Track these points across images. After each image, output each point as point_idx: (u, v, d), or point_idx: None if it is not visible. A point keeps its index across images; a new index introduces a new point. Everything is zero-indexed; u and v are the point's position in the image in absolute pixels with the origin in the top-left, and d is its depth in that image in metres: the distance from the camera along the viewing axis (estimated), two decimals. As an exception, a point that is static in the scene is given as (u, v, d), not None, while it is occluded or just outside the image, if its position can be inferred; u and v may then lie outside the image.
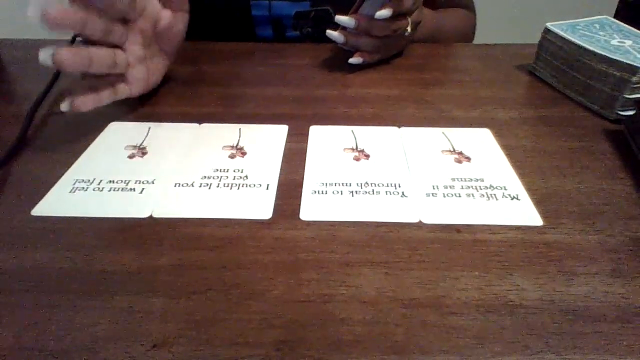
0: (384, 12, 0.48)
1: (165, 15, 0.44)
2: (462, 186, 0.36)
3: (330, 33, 0.52)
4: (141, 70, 0.45)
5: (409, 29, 0.53)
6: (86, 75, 0.41)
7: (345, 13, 0.51)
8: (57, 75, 0.49)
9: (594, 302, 0.27)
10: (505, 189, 0.36)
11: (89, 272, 0.29)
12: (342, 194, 0.35)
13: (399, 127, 0.44)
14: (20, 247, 0.31)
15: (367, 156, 0.40)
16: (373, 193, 0.35)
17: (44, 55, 0.36)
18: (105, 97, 0.41)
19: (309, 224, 0.33)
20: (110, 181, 0.36)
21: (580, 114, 0.46)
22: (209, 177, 0.37)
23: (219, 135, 0.42)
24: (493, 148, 0.41)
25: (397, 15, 0.50)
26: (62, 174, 0.37)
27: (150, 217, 0.33)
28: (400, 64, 0.56)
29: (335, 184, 0.36)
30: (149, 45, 0.45)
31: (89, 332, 0.26)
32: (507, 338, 0.25)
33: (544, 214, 0.33)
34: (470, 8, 0.73)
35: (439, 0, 0.68)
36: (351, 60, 0.53)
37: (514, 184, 0.36)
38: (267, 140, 0.42)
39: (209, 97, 0.49)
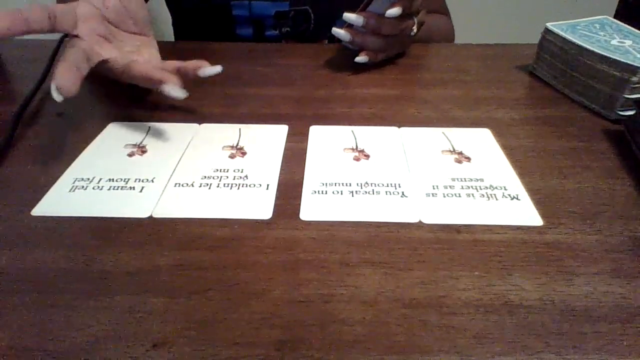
0: (394, 11, 0.48)
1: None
2: (462, 186, 0.36)
3: (337, 31, 0.52)
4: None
5: (415, 29, 0.53)
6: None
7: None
8: (44, 75, 0.49)
9: (594, 302, 0.27)
10: (505, 189, 0.36)
11: (89, 272, 0.29)
12: (342, 194, 0.35)
13: (399, 127, 0.44)
14: (20, 247, 0.31)
15: (367, 156, 0.40)
16: (373, 193, 0.35)
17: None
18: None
19: (309, 224, 0.33)
20: (109, 180, 0.36)
21: (580, 114, 0.46)
22: (209, 177, 0.37)
23: (219, 135, 0.42)
24: (493, 148, 0.41)
25: (405, 15, 0.50)
26: (62, 173, 0.37)
27: (150, 217, 0.33)
28: (400, 64, 0.56)
29: (335, 184, 0.36)
30: (114, 36, 0.44)
31: (89, 332, 0.26)
32: (507, 338, 0.25)
33: (544, 214, 0.33)
34: (447, 14, 0.75)
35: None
36: (357, 59, 0.52)
37: (514, 184, 0.36)
38: (267, 140, 0.42)
39: (209, 97, 0.49)
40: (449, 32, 0.73)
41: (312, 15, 0.63)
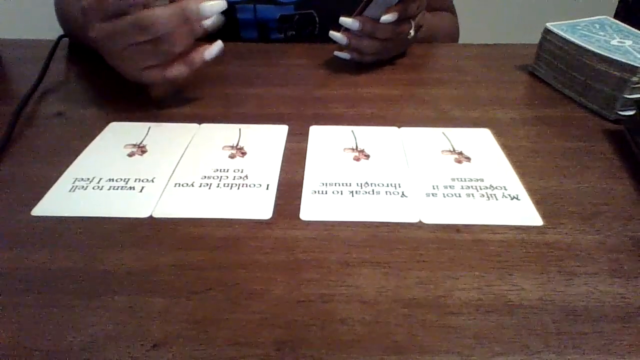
0: (389, 17, 0.48)
1: None
2: (462, 186, 0.36)
3: (334, 34, 0.52)
4: None
5: (412, 32, 0.53)
6: None
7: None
8: (42, 75, 0.49)
9: (594, 302, 0.27)
10: (505, 189, 0.36)
11: (89, 272, 0.29)
12: (342, 194, 0.35)
13: (399, 127, 0.44)
14: (20, 247, 0.31)
15: (367, 156, 0.40)
16: (373, 193, 0.35)
17: None
18: None
19: (309, 224, 0.33)
20: (110, 179, 0.36)
21: (580, 114, 0.46)
22: (209, 177, 0.37)
23: (219, 135, 0.42)
24: (493, 148, 0.41)
25: (402, 19, 0.50)
26: (62, 173, 0.37)
27: (150, 217, 0.33)
28: (400, 64, 0.56)
29: (335, 184, 0.36)
30: None
31: (89, 332, 0.26)
32: (507, 338, 0.25)
33: (544, 214, 0.33)
34: (453, 12, 0.75)
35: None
36: (337, 53, 0.53)
37: (514, 184, 0.36)
38: (267, 140, 0.42)
39: (209, 97, 0.49)
40: (454, 32, 0.73)
41: (317, 18, 0.64)
